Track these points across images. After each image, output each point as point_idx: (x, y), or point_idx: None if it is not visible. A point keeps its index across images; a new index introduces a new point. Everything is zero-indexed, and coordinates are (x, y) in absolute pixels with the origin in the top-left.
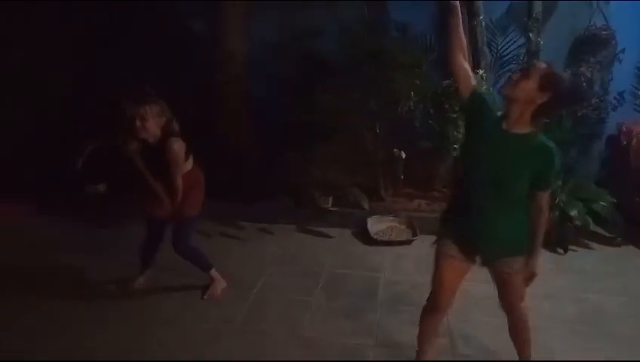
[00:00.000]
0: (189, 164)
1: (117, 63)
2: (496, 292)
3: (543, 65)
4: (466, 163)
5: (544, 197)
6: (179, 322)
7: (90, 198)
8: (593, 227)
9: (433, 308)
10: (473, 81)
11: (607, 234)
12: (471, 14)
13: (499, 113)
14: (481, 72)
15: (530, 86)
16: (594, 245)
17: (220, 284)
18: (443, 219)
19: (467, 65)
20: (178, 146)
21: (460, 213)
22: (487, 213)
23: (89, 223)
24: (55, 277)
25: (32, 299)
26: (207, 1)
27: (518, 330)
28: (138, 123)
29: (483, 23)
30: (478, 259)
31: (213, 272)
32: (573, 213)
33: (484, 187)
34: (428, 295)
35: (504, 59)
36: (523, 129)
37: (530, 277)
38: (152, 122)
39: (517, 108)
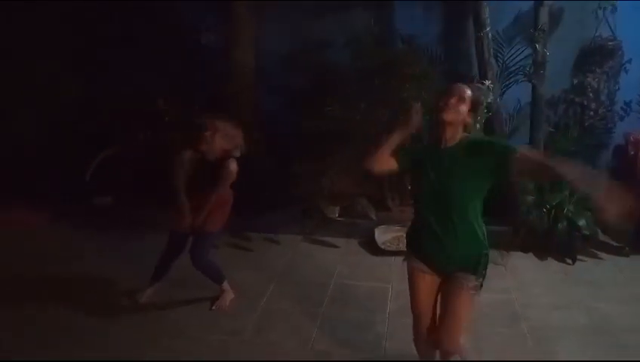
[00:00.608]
0: None
1: (128, 76)
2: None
3: (467, 90)
4: (412, 186)
5: (527, 152)
6: (188, 333)
7: (99, 210)
8: (601, 236)
9: (416, 323)
10: (391, 162)
11: (616, 244)
12: (478, 26)
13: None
14: (487, 82)
15: (465, 109)
16: (602, 255)
17: (229, 295)
18: (408, 236)
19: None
20: (234, 168)
21: (419, 231)
22: (443, 229)
23: (97, 234)
24: (64, 287)
25: (41, 308)
26: (218, 13)
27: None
28: (208, 133)
29: (490, 35)
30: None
31: (225, 284)
32: (582, 222)
33: (436, 204)
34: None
35: (510, 69)
36: (452, 142)
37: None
38: (221, 139)
39: (452, 129)
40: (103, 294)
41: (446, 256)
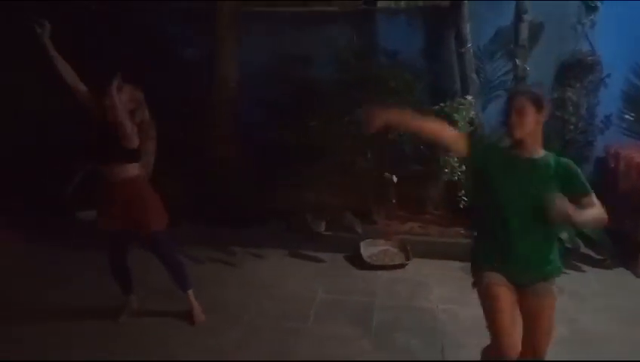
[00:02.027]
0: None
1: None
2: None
3: (527, 93)
4: (488, 202)
5: (591, 201)
6: (170, 352)
7: (81, 225)
8: (583, 249)
9: (500, 354)
10: (461, 139)
11: (597, 256)
12: (459, 41)
13: (503, 143)
14: (469, 97)
15: (530, 120)
16: (584, 267)
17: (198, 307)
18: (476, 251)
19: (449, 131)
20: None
21: (495, 243)
22: (528, 238)
23: (79, 249)
24: (42, 305)
25: (19, 328)
26: (200, 27)
27: None
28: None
29: (471, 50)
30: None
31: (190, 293)
32: (564, 235)
33: (520, 212)
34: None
35: (492, 84)
36: (538, 152)
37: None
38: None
39: (529, 140)
40: (83, 311)
41: (532, 264)
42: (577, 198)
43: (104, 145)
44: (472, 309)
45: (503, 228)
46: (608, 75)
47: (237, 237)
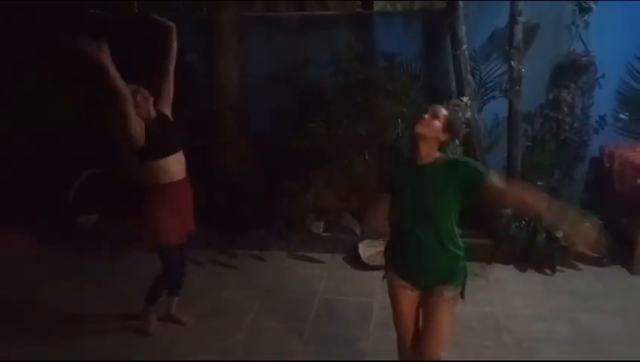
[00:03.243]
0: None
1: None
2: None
3: (443, 109)
4: (394, 205)
5: (496, 182)
6: (175, 354)
7: (83, 229)
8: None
9: (400, 340)
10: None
11: (594, 255)
12: (455, 44)
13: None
14: (465, 99)
15: (438, 126)
16: (581, 266)
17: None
18: (385, 254)
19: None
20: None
21: (397, 248)
22: (420, 243)
23: (82, 254)
24: (49, 310)
25: (24, 336)
26: (202, 32)
27: None
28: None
29: (466, 52)
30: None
31: (150, 314)
32: (559, 234)
33: (413, 219)
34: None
35: (487, 86)
36: (429, 159)
37: (447, 299)
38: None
39: (426, 145)
40: (88, 316)
41: (426, 269)
42: (481, 186)
43: (157, 142)
44: (468, 308)
45: (402, 236)
46: (602, 76)
47: (238, 240)
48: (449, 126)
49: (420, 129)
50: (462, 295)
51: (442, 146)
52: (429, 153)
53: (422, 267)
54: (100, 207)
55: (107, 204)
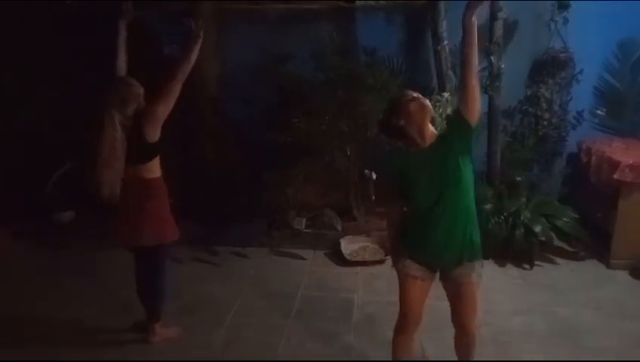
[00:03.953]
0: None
1: (89, 88)
2: (450, 310)
3: (407, 95)
4: (408, 199)
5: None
6: (155, 350)
7: (58, 226)
8: (557, 242)
9: (404, 328)
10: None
11: (571, 249)
12: (435, 39)
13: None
14: (446, 95)
15: (415, 111)
16: (558, 260)
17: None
18: (396, 242)
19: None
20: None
21: (414, 232)
22: (442, 223)
23: (57, 251)
24: (28, 309)
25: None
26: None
27: (466, 348)
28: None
29: (447, 48)
30: (437, 274)
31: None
32: (537, 228)
33: (432, 201)
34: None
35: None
36: (432, 138)
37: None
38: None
39: (416, 132)
40: (67, 315)
41: (450, 245)
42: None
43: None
44: (446, 303)
45: (418, 218)
46: (581, 72)
47: (219, 236)
48: (418, 106)
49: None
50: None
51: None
52: (433, 132)
53: (445, 244)
54: (77, 204)
55: (83, 200)
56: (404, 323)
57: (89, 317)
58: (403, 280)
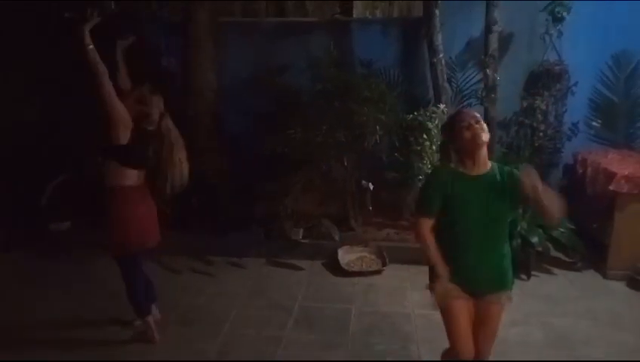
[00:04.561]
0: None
1: (84, 97)
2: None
3: (464, 119)
4: (449, 218)
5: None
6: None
7: (55, 236)
8: (553, 252)
9: (459, 356)
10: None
11: (567, 259)
12: (431, 52)
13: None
14: (442, 106)
15: (487, 130)
16: (555, 270)
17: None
18: (434, 265)
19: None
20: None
21: (455, 257)
22: (482, 251)
23: (54, 260)
24: (19, 316)
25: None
26: (178, 35)
27: None
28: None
29: (443, 60)
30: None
31: (150, 319)
32: (534, 239)
33: (477, 227)
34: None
35: (463, 93)
36: (487, 166)
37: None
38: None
39: (483, 152)
40: (63, 320)
41: (486, 274)
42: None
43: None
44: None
45: (458, 242)
46: (575, 84)
47: (215, 246)
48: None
49: (484, 137)
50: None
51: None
52: (486, 160)
53: (482, 273)
54: (73, 214)
55: (79, 210)
56: (459, 351)
57: (85, 322)
58: (449, 303)
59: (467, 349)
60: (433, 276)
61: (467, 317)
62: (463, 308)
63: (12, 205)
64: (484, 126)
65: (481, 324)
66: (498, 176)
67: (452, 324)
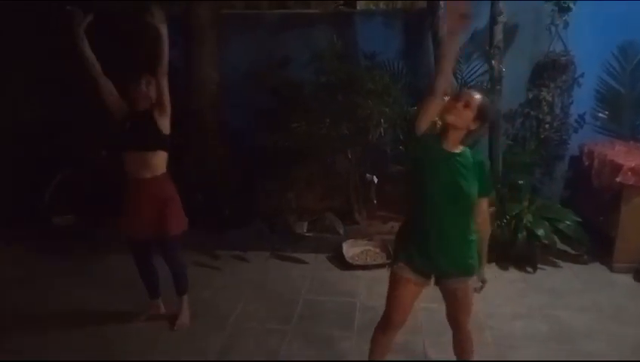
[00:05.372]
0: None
1: (87, 93)
2: (445, 309)
3: (479, 97)
4: (416, 189)
5: (484, 202)
6: (155, 355)
7: (59, 230)
8: (559, 245)
9: (387, 326)
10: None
11: (573, 252)
12: (436, 43)
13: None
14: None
15: (469, 115)
16: (561, 263)
17: (187, 313)
18: (398, 241)
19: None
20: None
21: (416, 236)
22: (445, 232)
23: (58, 255)
24: (26, 312)
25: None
26: (180, 29)
27: (464, 347)
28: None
29: None
30: (431, 279)
31: (186, 298)
32: (540, 232)
33: (439, 206)
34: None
35: (469, 85)
36: (457, 148)
37: (481, 287)
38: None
39: (456, 134)
40: (68, 315)
41: (448, 255)
42: (478, 195)
43: (138, 134)
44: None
45: (423, 218)
46: (582, 75)
47: (220, 240)
48: (481, 114)
49: (451, 118)
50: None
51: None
52: (456, 142)
53: (444, 253)
54: (76, 208)
55: (83, 204)
56: (389, 322)
57: (93, 315)
58: (395, 280)
59: (398, 319)
60: (394, 254)
61: (409, 300)
62: (407, 290)
63: (14, 199)
64: (468, 112)
65: (451, 300)
66: (468, 160)
67: (393, 297)
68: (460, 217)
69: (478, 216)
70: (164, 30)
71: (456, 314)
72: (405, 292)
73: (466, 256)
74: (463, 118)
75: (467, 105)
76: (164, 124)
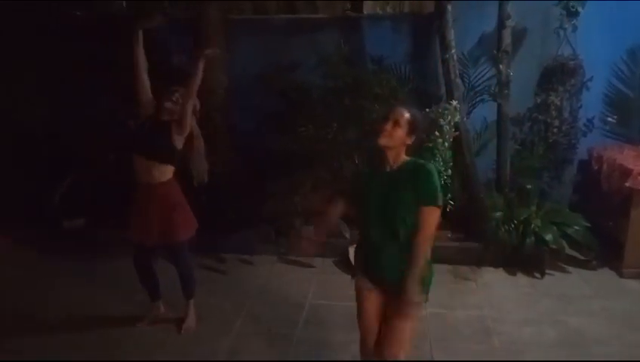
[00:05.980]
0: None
1: (96, 96)
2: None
3: (406, 112)
4: (360, 212)
5: (424, 212)
6: (160, 358)
7: (69, 233)
8: (568, 251)
9: (361, 338)
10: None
11: (582, 257)
12: (443, 47)
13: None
14: (454, 103)
15: (400, 133)
16: (570, 268)
17: (194, 317)
18: (356, 256)
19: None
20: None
21: (365, 251)
22: (380, 247)
23: (68, 258)
24: (30, 314)
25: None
26: (188, 33)
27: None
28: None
29: (455, 56)
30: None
31: (192, 302)
32: (549, 237)
33: (374, 223)
34: None
35: (476, 89)
36: (398, 164)
37: (406, 304)
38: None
39: (392, 153)
40: (75, 319)
41: (386, 271)
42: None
43: (151, 142)
44: (458, 312)
45: (366, 239)
46: (590, 79)
47: (226, 244)
48: (412, 127)
49: (383, 141)
50: (426, 299)
51: (417, 147)
52: (396, 159)
53: (382, 269)
54: (86, 211)
55: (94, 208)
56: (365, 341)
57: (93, 317)
58: (357, 292)
59: (368, 336)
60: (354, 268)
61: (371, 308)
62: (367, 298)
63: (24, 202)
64: (399, 130)
65: (387, 321)
66: (405, 174)
67: (358, 311)
68: (389, 228)
69: (417, 226)
70: (201, 65)
71: (384, 334)
72: (366, 302)
73: (403, 269)
74: (395, 138)
75: (396, 124)
76: (179, 140)
